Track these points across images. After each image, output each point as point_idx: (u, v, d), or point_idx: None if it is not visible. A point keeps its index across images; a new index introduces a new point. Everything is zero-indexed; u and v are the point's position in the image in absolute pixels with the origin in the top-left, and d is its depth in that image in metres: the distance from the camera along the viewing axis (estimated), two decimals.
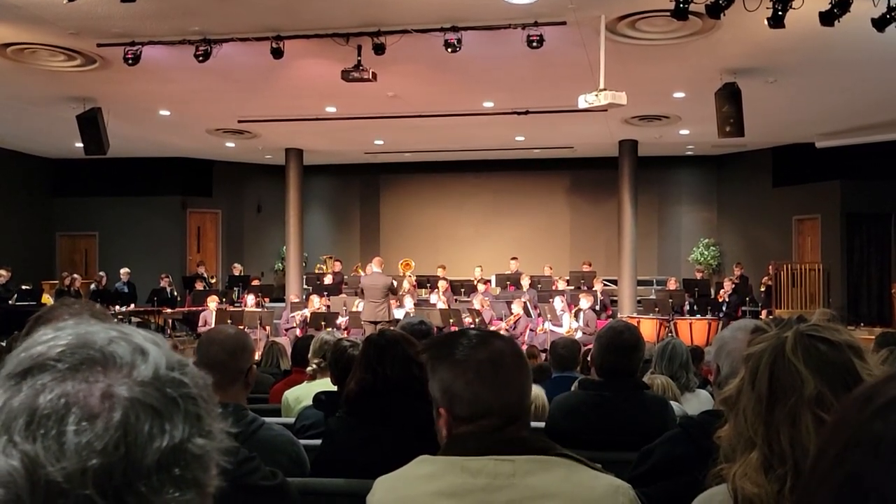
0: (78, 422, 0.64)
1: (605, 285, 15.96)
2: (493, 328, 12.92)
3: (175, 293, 16.57)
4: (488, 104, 13.31)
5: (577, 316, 13.57)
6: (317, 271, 18.04)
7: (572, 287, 15.53)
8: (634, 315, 14.72)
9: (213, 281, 18.13)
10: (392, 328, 3.36)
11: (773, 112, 13.06)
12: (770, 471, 1.33)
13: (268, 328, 13.88)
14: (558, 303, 13.73)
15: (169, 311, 15.77)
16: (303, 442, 2.89)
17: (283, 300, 16.43)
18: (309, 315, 13.72)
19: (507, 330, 12.97)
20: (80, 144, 12.83)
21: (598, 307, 14.42)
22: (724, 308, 14.57)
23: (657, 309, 14.34)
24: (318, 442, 3.00)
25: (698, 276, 16.71)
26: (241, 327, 10.60)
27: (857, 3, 7.46)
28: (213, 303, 14.21)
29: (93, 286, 16.43)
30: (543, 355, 9.29)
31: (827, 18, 7.71)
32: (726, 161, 18.50)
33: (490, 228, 19.67)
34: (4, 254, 15.99)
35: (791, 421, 1.35)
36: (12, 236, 17.25)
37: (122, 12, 8.79)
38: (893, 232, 15.79)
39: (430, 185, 20.14)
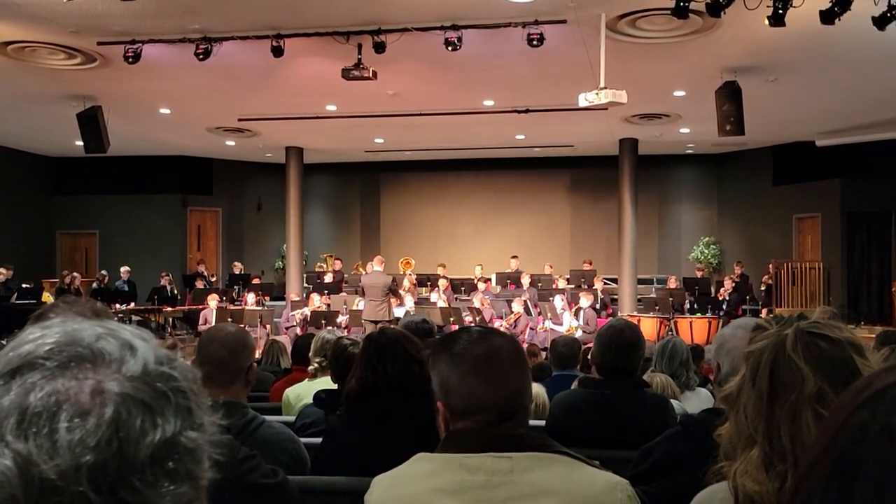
0: (69, 419, 0.64)
1: (605, 284, 15.96)
2: (490, 326, 12.92)
3: (175, 292, 16.57)
4: (488, 103, 13.30)
5: (577, 314, 13.58)
6: (317, 270, 18.04)
7: (572, 285, 15.54)
8: (635, 313, 14.72)
9: (214, 279, 18.12)
10: (393, 326, 3.36)
11: (773, 110, 13.06)
12: (770, 468, 1.33)
13: (268, 326, 13.90)
14: (558, 301, 13.73)
15: (169, 309, 15.77)
16: (303, 440, 2.89)
17: (283, 298, 16.43)
18: (309, 313, 13.73)
19: (507, 328, 12.96)
20: (81, 143, 12.82)
21: (598, 306, 14.43)
22: (724, 306, 14.56)
23: (657, 307, 14.34)
24: (318, 440, 3.00)
25: (698, 274, 16.71)
26: (242, 326, 10.60)
27: (858, 2, 7.45)
28: (213, 301, 14.21)
29: (94, 284, 16.43)
30: (544, 354, 9.29)
31: (827, 17, 7.70)
32: (726, 159, 18.50)
33: (490, 227, 19.67)
34: (5, 252, 15.99)
35: (791, 418, 1.35)
36: (12, 235, 17.25)
37: (123, 10, 8.79)
38: (894, 230, 15.79)
39: (430, 184, 20.14)
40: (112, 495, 0.63)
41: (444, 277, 15.44)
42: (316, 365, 4.49)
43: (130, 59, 9.91)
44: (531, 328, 13.75)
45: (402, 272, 16.19)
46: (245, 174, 19.72)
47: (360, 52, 9.78)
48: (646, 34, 9.55)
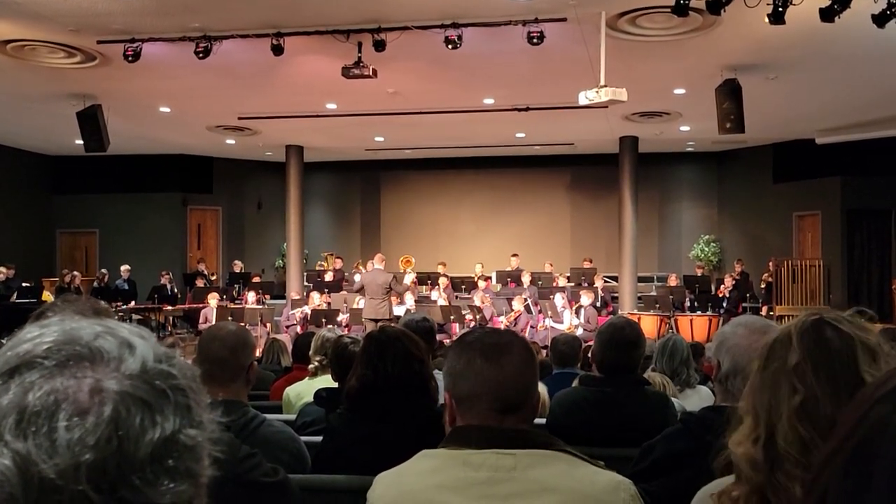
0: (69, 418, 0.64)
1: (605, 282, 15.96)
2: (493, 325, 12.94)
3: (176, 290, 16.56)
4: (489, 101, 13.30)
5: (577, 312, 13.58)
6: (317, 268, 18.05)
7: (573, 284, 15.55)
8: (635, 311, 14.72)
9: (214, 278, 18.12)
10: (393, 325, 3.36)
11: (773, 108, 13.05)
12: (756, 439, 1.36)
13: (268, 325, 13.90)
14: (559, 299, 13.73)
15: (169, 308, 15.77)
16: (304, 438, 2.89)
17: (283, 297, 16.44)
18: (309, 312, 13.73)
19: (507, 326, 12.97)
20: (81, 141, 12.82)
21: (598, 304, 14.42)
22: (724, 304, 14.56)
23: (658, 305, 14.33)
24: (319, 438, 3.00)
25: (699, 272, 16.72)
26: (242, 324, 10.60)
27: (857, 0, 7.45)
28: (213, 300, 14.22)
29: (95, 283, 16.43)
30: (544, 352, 9.29)
31: (827, 14, 7.69)
32: (727, 157, 18.50)
33: (491, 225, 19.67)
34: (5, 251, 15.99)
35: (770, 385, 1.38)
36: (12, 234, 17.25)
37: (123, 9, 8.79)
38: (894, 228, 15.79)
39: (430, 182, 20.14)
40: (112, 494, 0.63)
41: (445, 276, 15.45)
42: (316, 363, 4.49)
43: (130, 58, 9.90)
44: (532, 326, 13.75)
45: (402, 270, 16.19)
46: (245, 173, 19.72)
47: (360, 51, 9.78)
48: (646, 32, 9.55)
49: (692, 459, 2.13)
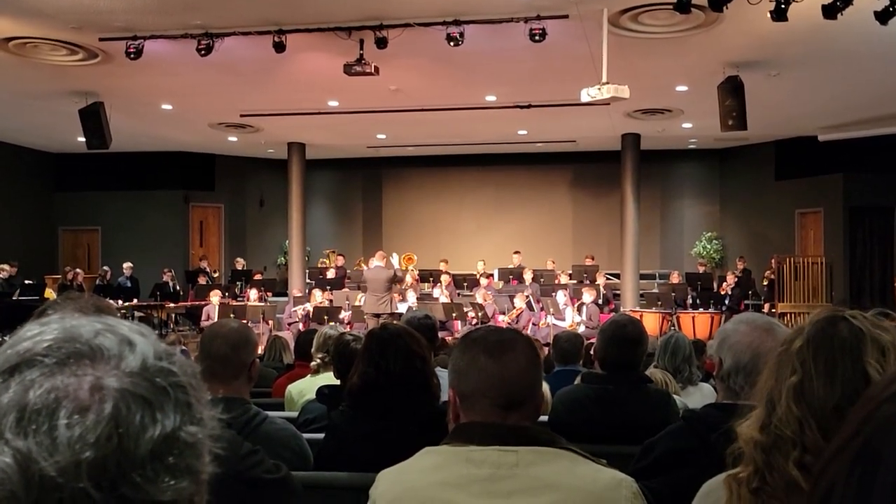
0: (69, 415, 0.64)
1: (607, 279, 15.96)
2: (495, 322, 12.94)
3: (178, 288, 16.58)
4: (491, 98, 13.29)
5: (579, 310, 13.58)
6: (319, 265, 18.05)
7: (575, 281, 15.54)
8: (637, 309, 14.70)
9: (216, 275, 18.13)
10: (395, 322, 3.36)
11: (775, 105, 13.03)
12: (761, 421, 1.39)
13: (270, 322, 13.90)
14: (561, 297, 13.74)
15: (172, 305, 15.78)
16: (306, 436, 2.89)
17: (285, 294, 16.45)
18: (311, 309, 13.73)
19: (509, 324, 12.97)
20: (83, 139, 12.84)
21: (600, 301, 14.43)
22: (726, 301, 14.56)
23: (660, 303, 14.33)
24: (321, 436, 3.00)
25: (701, 269, 16.70)
26: (244, 322, 10.60)
27: None
28: (215, 297, 14.22)
29: (97, 281, 16.44)
30: (546, 349, 9.28)
31: (830, 11, 7.68)
32: (729, 154, 18.47)
33: (492, 222, 19.67)
34: (7, 248, 16.00)
35: (776, 368, 1.40)
36: (14, 231, 17.26)
37: (124, 6, 8.79)
38: None
39: (432, 180, 20.13)
40: (113, 491, 0.63)
41: (447, 273, 15.45)
42: (318, 361, 4.48)
43: (132, 55, 9.90)
44: (533, 324, 13.75)
45: (404, 268, 16.20)
46: (247, 170, 19.72)
47: (361, 48, 9.77)
48: (648, 29, 9.54)
49: (694, 457, 2.13)
